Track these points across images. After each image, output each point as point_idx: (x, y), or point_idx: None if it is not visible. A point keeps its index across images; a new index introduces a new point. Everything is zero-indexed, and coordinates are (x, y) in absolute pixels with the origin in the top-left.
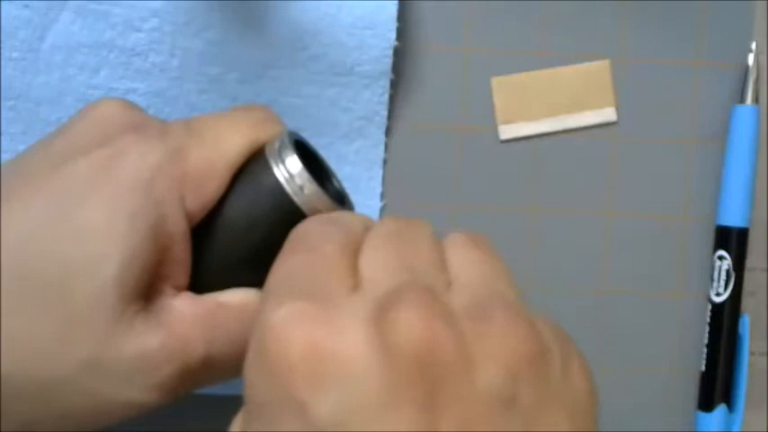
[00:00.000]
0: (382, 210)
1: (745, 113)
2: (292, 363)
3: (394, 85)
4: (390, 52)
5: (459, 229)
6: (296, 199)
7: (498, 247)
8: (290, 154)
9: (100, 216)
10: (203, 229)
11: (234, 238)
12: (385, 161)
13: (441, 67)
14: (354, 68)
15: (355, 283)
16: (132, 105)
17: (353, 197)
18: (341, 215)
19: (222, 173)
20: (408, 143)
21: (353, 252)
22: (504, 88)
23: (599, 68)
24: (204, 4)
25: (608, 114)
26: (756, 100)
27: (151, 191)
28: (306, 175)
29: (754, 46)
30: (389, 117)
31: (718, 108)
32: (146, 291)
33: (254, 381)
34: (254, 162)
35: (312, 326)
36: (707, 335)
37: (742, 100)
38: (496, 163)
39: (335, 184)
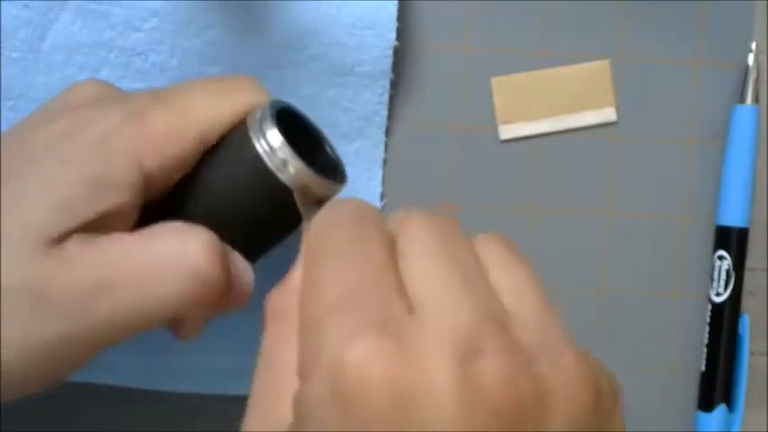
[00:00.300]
0: (382, 210)
1: (745, 113)
2: (374, 403)
3: (394, 85)
4: (390, 52)
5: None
6: (280, 175)
7: None
8: (270, 127)
9: (47, 171)
10: (180, 196)
11: (214, 208)
12: (385, 161)
13: (441, 67)
14: (354, 68)
15: (404, 290)
16: (107, 84)
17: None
18: (356, 203)
19: (188, 138)
20: (408, 143)
21: (392, 249)
22: (504, 88)
23: (599, 68)
24: (204, 4)
25: (608, 114)
26: (756, 100)
27: (102, 146)
28: (288, 149)
29: (754, 46)
30: (389, 117)
31: (718, 108)
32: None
33: (323, 416)
34: (236, 134)
35: (393, 364)
36: (707, 335)
37: (742, 100)
38: (496, 163)
39: (328, 151)
